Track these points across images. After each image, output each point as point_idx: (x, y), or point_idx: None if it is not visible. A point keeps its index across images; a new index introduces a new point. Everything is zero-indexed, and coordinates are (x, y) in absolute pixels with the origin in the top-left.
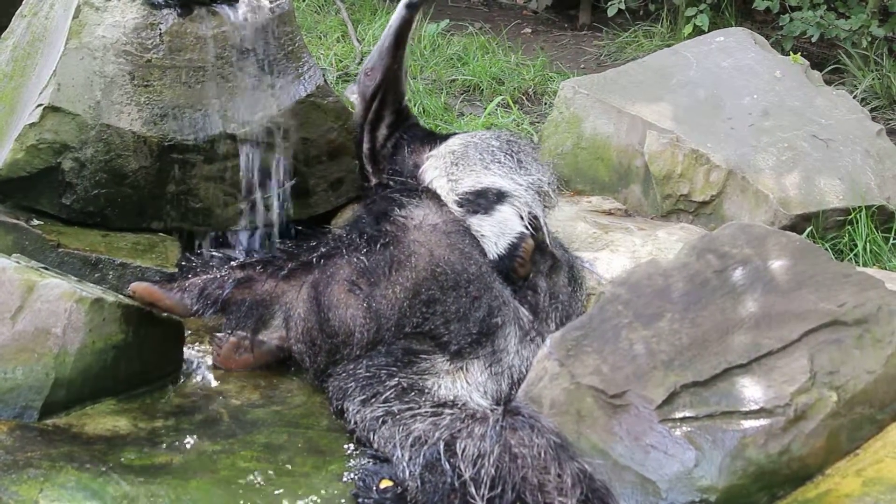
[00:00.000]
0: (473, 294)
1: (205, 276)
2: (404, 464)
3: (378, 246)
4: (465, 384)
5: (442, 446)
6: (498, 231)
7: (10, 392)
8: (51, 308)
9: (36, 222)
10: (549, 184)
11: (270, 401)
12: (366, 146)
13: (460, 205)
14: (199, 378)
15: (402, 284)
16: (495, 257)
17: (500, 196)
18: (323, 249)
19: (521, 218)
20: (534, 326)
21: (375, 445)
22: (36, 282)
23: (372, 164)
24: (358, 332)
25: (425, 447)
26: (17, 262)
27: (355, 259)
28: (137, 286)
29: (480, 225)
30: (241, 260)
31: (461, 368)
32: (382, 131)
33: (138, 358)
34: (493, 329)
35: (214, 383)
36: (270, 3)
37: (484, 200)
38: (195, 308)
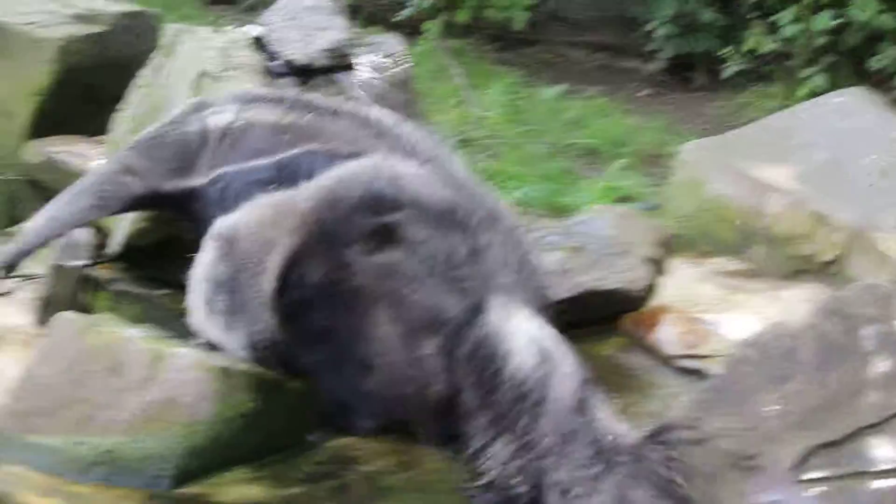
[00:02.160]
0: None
1: None
2: None
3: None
4: None
5: None
6: None
7: (141, 461)
8: (180, 377)
9: (162, 292)
10: None
11: (401, 466)
12: None
13: None
14: (329, 444)
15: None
16: None
17: None
18: None
19: None
20: None
21: None
22: (165, 352)
23: None
24: None
25: None
26: (146, 332)
27: None
28: None
29: None
30: None
31: None
32: None
33: (268, 425)
34: None
35: (345, 450)
36: (389, 69)
37: None
38: None
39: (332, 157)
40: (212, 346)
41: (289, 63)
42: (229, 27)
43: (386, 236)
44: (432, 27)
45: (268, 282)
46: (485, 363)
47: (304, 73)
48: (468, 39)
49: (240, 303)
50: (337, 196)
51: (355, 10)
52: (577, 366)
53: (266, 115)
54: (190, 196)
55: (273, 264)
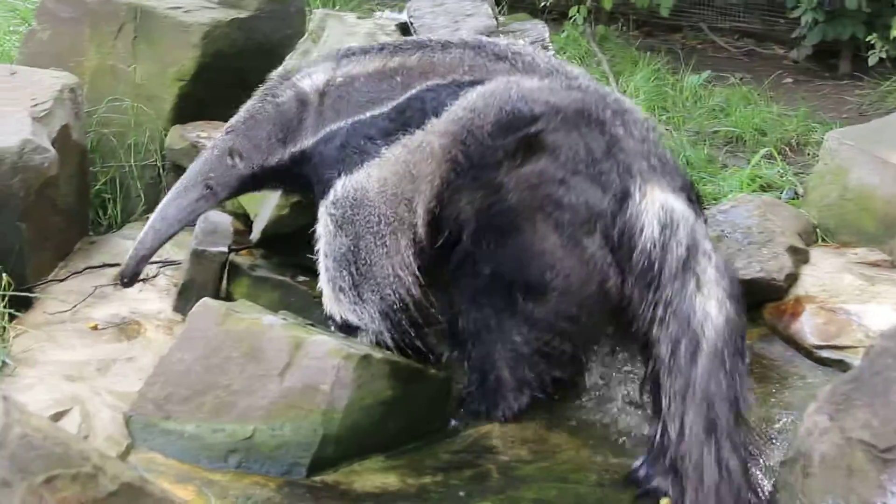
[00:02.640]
0: None
1: None
2: None
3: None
4: None
5: None
6: None
7: (278, 449)
8: (319, 365)
9: (301, 278)
10: None
11: (538, 456)
12: None
13: None
14: (466, 433)
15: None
16: None
17: None
18: None
19: None
20: None
21: None
22: (303, 338)
23: None
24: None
25: None
26: (284, 319)
27: None
28: None
29: None
30: None
31: None
32: None
33: (406, 414)
34: None
35: (482, 439)
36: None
37: None
38: None
39: (455, 88)
40: (344, 328)
41: None
42: (376, 13)
43: (529, 147)
44: (578, 13)
45: (407, 238)
46: (629, 243)
47: None
48: (613, 25)
49: (367, 271)
50: (475, 123)
51: None
52: (691, 229)
53: (367, 64)
54: (300, 160)
55: (416, 216)
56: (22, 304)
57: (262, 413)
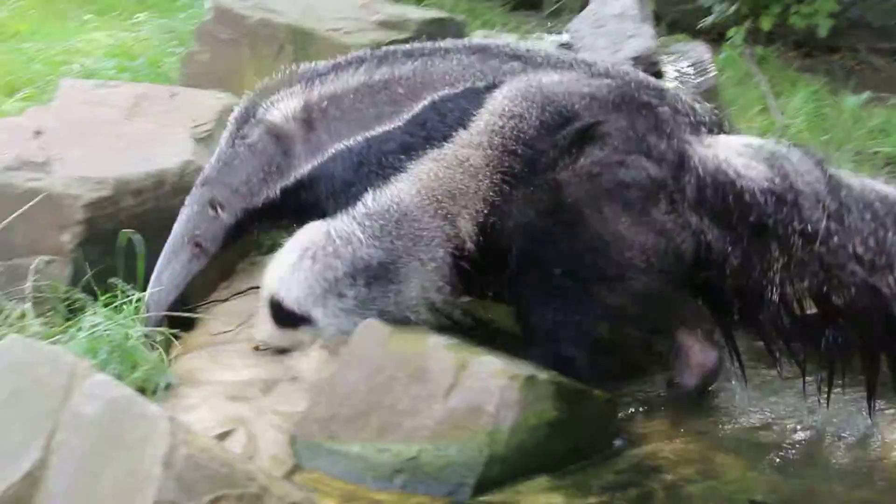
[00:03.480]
0: None
1: None
2: None
3: None
4: None
5: None
6: None
7: (443, 469)
8: (483, 385)
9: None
10: None
11: (704, 475)
12: None
13: None
14: (632, 453)
15: None
16: None
17: None
18: None
19: None
20: None
21: None
22: (468, 359)
23: None
24: None
25: None
26: (450, 340)
27: None
28: None
29: None
30: None
31: None
32: None
33: (571, 434)
34: None
35: (647, 459)
36: (695, 78)
37: None
38: None
39: (473, 96)
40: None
41: None
42: (535, 33)
43: (581, 140)
44: (736, 34)
45: (447, 250)
46: (718, 195)
47: None
48: (772, 46)
49: (403, 278)
50: (519, 129)
51: (658, 16)
52: (803, 150)
53: (347, 80)
54: (296, 189)
55: (461, 231)
56: (185, 325)
57: (427, 433)
